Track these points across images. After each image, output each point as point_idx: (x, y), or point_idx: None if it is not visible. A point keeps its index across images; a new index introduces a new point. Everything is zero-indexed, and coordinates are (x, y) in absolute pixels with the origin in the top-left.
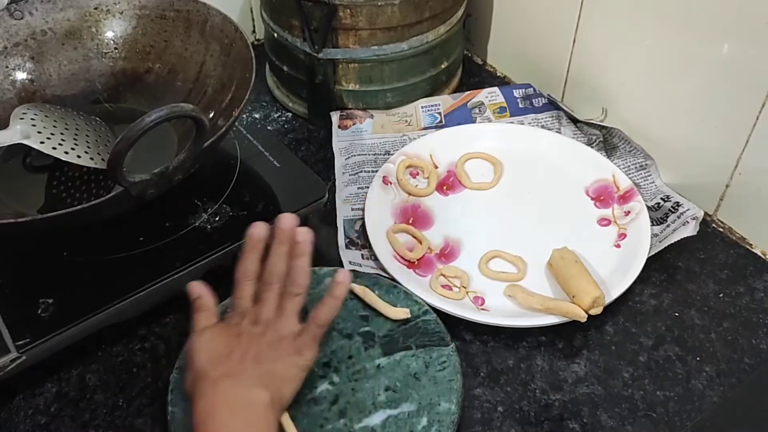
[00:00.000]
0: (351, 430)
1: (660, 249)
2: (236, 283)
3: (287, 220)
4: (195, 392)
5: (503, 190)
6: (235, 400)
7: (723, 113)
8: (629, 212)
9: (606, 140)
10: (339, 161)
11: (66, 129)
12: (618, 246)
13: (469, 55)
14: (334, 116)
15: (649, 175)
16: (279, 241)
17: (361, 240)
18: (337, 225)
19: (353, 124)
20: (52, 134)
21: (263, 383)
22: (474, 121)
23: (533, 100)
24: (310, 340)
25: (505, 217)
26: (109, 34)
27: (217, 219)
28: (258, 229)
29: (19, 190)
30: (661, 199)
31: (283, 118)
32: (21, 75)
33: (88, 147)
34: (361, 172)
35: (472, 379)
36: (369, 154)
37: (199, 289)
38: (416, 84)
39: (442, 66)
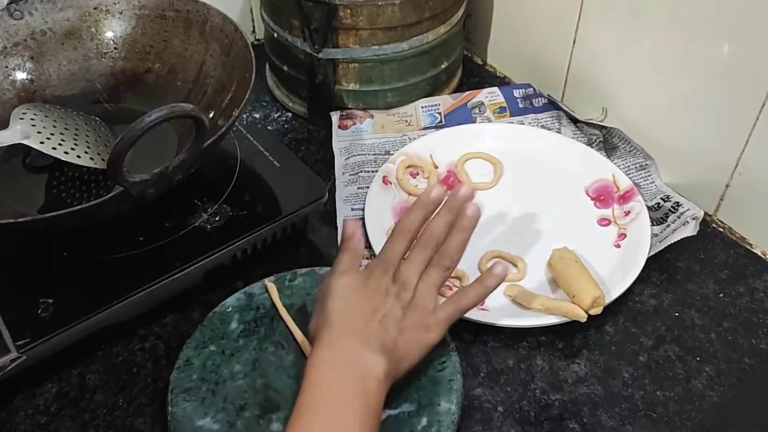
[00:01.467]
0: None
1: (660, 249)
2: (392, 235)
3: (464, 190)
4: (317, 337)
5: (503, 190)
6: (354, 363)
7: (723, 113)
8: (629, 212)
9: (606, 140)
10: (339, 161)
11: (66, 129)
12: (618, 246)
13: (469, 55)
14: (334, 116)
15: (649, 175)
16: (447, 208)
17: None
18: (337, 225)
19: (353, 124)
20: (52, 134)
21: (384, 352)
22: (474, 121)
23: (533, 100)
24: (443, 320)
25: (505, 217)
26: (109, 34)
27: (217, 219)
28: (436, 191)
29: (19, 190)
30: (661, 199)
31: (283, 118)
32: (21, 75)
33: (88, 147)
34: (361, 172)
35: (472, 379)
36: (369, 154)
37: (353, 228)
38: (416, 84)
39: (442, 66)
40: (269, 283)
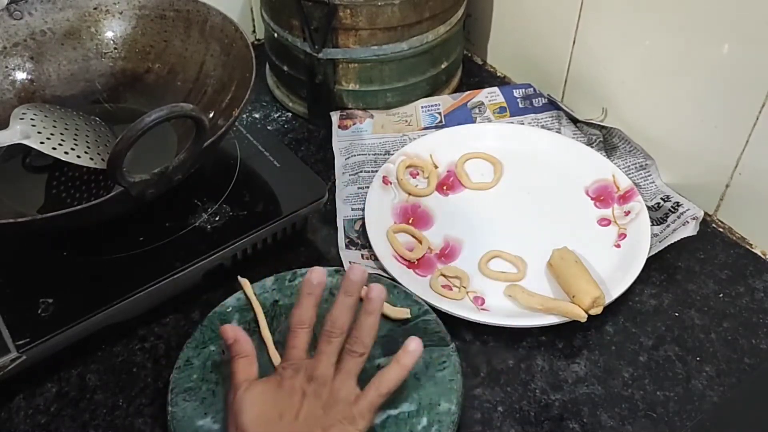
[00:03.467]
0: None
1: (660, 249)
2: (290, 330)
3: (357, 273)
4: None
5: (503, 190)
6: None
7: (723, 113)
8: (629, 212)
9: (606, 140)
10: (339, 161)
11: (66, 129)
12: (618, 246)
13: (469, 55)
14: (334, 116)
15: (649, 175)
16: (346, 292)
17: (361, 240)
18: (337, 225)
19: (353, 124)
20: (52, 134)
21: None
22: (474, 121)
23: (533, 100)
24: (366, 409)
25: (505, 217)
26: (109, 34)
27: (217, 219)
28: (317, 275)
29: (19, 190)
30: (661, 199)
31: (283, 118)
32: (21, 75)
33: (88, 147)
34: (361, 172)
35: (472, 379)
36: (369, 154)
37: (233, 332)
38: (416, 84)
39: (442, 66)
40: (242, 279)
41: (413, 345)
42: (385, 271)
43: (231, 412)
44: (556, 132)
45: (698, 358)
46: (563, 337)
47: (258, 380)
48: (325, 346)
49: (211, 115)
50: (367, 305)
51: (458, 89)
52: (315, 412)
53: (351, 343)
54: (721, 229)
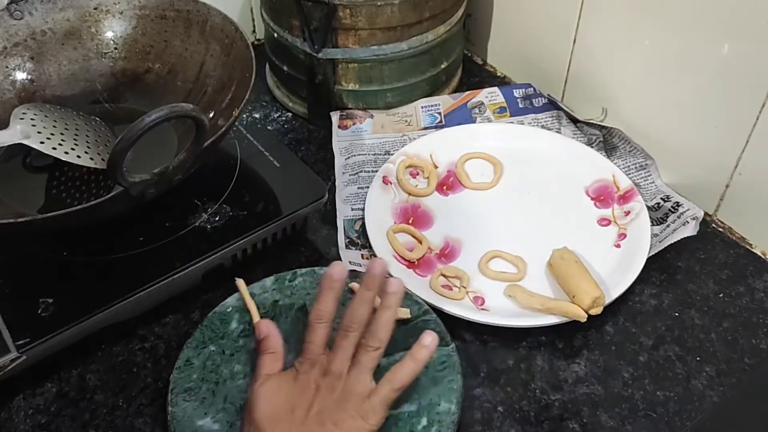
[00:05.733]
0: None
1: (660, 249)
2: (309, 326)
3: (378, 266)
4: None
5: (503, 190)
6: None
7: (723, 113)
8: (629, 212)
9: (606, 140)
10: (339, 161)
11: (66, 129)
12: (618, 246)
13: (469, 55)
14: (334, 116)
15: (649, 175)
16: (366, 286)
17: (361, 240)
18: (337, 225)
19: (353, 124)
20: (52, 134)
21: None
22: (474, 121)
23: (533, 100)
24: (379, 404)
25: (505, 217)
26: (109, 34)
27: (217, 219)
28: (338, 270)
29: (19, 190)
30: (661, 199)
31: (283, 118)
32: (21, 75)
33: (88, 147)
34: (361, 172)
35: (472, 379)
36: (369, 154)
37: (267, 328)
38: (416, 84)
39: (442, 66)
40: (238, 280)
41: (428, 339)
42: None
43: (246, 406)
44: (556, 132)
45: (698, 358)
46: (563, 337)
47: (275, 375)
48: (342, 341)
49: (211, 115)
50: (384, 299)
51: (458, 89)
52: (328, 406)
53: (367, 337)
54: (721, 229)
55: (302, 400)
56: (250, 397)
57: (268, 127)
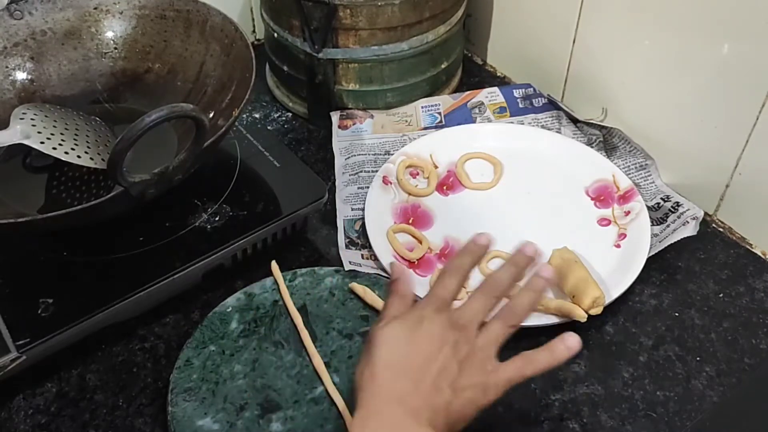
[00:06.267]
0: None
1: (660, 249)
2: (442, 273)
3: (533, 249)
4: (361, 394)
5: (503, 190)
6: None
7: (723, 113)
8: (629, 212)
9: (606, 140)
10: (339, 161)
11: (66, 129)
12: (618, 246)
13: (469, 55)
14: (334, 116)
15: (649, 175)
16: (514, 262)
17: (361, 240)
18: (337, 225)
19: (353, 124)
20: (52, 134)
21: (435, 424)
22: (474, 121)
23: (533, 100)
24: (503, 384)
25: (505, 217)
26: (109, 34)
27: (217, 219)
28: (486, 238)
29: (19, 190)
30: (661, 199)
31: (283, 118)
32: (21, 75)
33: (88, 147)
34: (361, 172)
35: None
36: (369, 154)
37: (401, 270)
38: (416, 84)
39: (442, 66)
40: (273, 263)
41: (572, 341)
42: (385, 271)
43: (366, 345)
44: (556, 132)
45: (698, 358)
46: None
47: (399, 318)
48: (478, 300)
49: (211, 115)
50: (533, 281)
51: (458, 89)
52: (450, 368)
53: (507, 311)
54: (721, 229)
55: (425, 352)
56: (372, 336)
57: (268, 127)
